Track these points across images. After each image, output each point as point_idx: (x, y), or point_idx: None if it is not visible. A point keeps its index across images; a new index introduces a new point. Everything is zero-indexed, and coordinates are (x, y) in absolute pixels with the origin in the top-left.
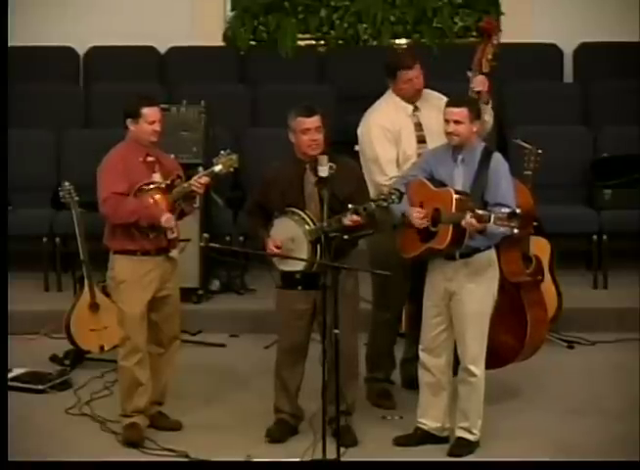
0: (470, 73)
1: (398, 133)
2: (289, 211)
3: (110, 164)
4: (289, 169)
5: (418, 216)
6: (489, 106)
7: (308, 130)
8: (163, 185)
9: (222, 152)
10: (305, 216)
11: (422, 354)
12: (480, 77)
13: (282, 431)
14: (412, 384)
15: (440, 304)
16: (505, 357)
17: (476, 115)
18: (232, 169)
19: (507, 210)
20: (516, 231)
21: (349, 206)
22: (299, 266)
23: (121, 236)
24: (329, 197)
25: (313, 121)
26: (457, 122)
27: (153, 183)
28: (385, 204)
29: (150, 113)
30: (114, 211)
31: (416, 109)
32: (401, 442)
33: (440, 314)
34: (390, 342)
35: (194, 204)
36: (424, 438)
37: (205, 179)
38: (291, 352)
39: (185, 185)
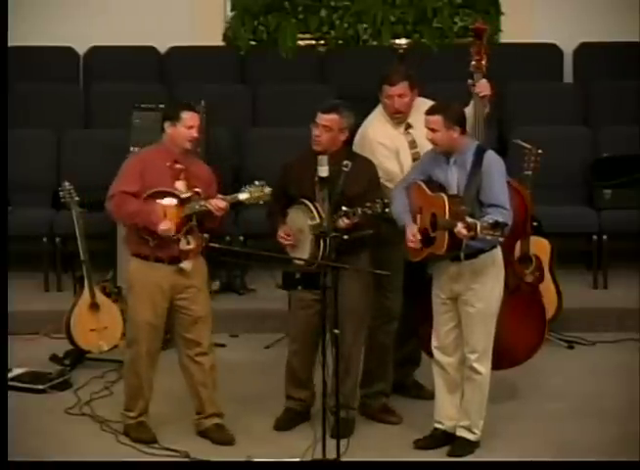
0: (471, 81)
1: (397, 151)
2: (301, 202)
3: (129, 164)
4: (307, 160)
5: (409, 234)
6: (486, 109)
7: (317, 125)
8: (180, 196)
9: (256, 182)
10: (313, 209)
11: (436, 352)
12: (484, 82)
13: (289, 420)
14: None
15: (448, 302)
16: (508, 359)
17: (454, 121)
18: (260, 202)
19: (491, 219)
20: (501, 239)
21: (343, 208)
22: (305, 255)
23: (135, 240)
24: (338, 194)
25: (322, 118)
26: (433, 130)
27: (171, 192)
28: (369, 212)
29: (189, 117)
30: (117, 208)
31: (409, 126)
32: (421, 445)
33: (450, 311)
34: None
35: (216, 220)
36: (443, 438)
37: (224, 204)
38: (297, 341)
39: (202, 203)
